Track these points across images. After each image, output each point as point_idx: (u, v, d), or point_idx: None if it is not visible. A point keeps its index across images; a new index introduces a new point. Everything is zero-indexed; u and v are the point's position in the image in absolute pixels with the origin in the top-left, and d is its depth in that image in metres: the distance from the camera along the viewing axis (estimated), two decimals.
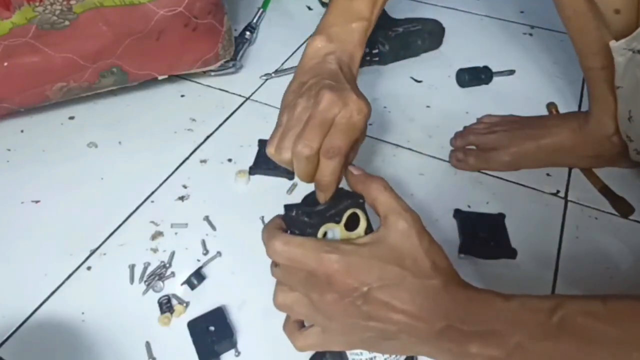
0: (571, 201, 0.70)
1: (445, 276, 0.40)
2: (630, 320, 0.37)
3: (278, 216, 0.44)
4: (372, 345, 0.41)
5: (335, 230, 0.42)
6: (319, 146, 0.45)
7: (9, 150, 0.76)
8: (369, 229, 0.43)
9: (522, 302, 0.39)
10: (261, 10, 1.02)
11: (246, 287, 0.59)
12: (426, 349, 0.40)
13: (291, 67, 0.91)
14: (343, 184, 0.46)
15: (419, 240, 0.40)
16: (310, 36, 0.54)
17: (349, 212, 0.42)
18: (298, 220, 0.42)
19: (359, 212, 0.43)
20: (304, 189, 0.70)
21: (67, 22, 0.71)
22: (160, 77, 0.82)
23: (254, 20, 0.99)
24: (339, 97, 0.46)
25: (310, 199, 0.46)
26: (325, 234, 0.42)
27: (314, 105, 0.46)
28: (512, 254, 0.63)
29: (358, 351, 0.44)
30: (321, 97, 0.46)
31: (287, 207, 0.44)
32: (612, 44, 0.56)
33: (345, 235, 0.42)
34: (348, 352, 0.44)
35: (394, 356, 0.44)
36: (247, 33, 0.96)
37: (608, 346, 0.37)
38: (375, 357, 0.44)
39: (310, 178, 0.47)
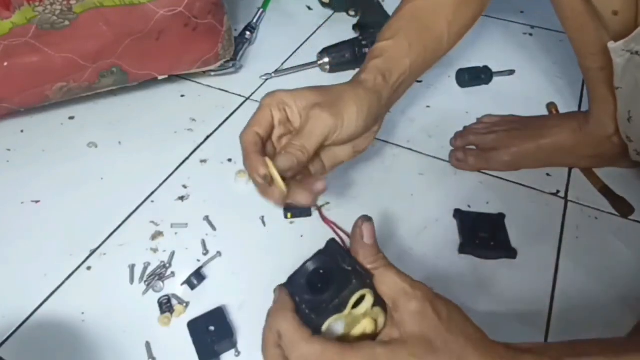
0: (571, 201, 0.70)
1: (475, 343, 0.37)
2: None
3: (284, 293, 0.40)
4: None
5: (340, 323, 0.38)
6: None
7: (9, 150, 0.76)
8: (376, 303, 0.39)
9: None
10: (261, 10, 1.02)
11: (246, 287, 0.59)
12: None
13: (291, 67, 0.91)
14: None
15: (437, 316, 0.37)
16: None
17: (354, 297, 0.38)
18: (300, 310, 0.39)
19: (365, 292, 0.39)
20: None
21: (67, 22, 0.71)
22: (160, 77, 0.82)
23: (254, 20, 0.99)
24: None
25: (305, 271, 0.41)
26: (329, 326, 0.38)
27: None
28: (512, 254, 0.63)
29: None
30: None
31: (288, 285, 0.41)
32: (611, 45, 0.56)
33: (350, 318, 0.39)
34: None
35: None
36: (247, 33, 0.96)
37: None
38: None
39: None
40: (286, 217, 0.66)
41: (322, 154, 0.54)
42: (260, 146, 0.50)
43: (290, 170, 0.48)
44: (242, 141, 0.50)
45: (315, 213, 0.67)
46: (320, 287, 0.39)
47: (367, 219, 0.41)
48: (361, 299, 0.39)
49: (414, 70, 0.59)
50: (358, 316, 0.38)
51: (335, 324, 0.38)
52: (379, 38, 0.59)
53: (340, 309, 0.38)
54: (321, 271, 0.40)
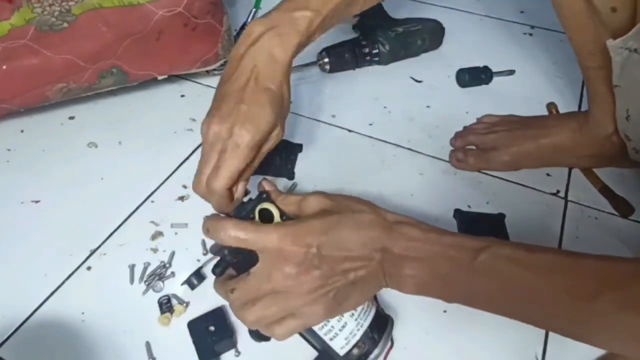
0: (571, 201, 0.70)
1: (372, 212, 0.45)
2: (550, 271, 0.41)
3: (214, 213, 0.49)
4: (343, 303, 0.44)
5: None
6: (204, 186, 0.50)
7: (9, 150, 0.76)
8: (284, 216, 0.47)
9: (454, 238, 0.43)
10: (254, 9, 1.02)
11: None
12: (378, 282, 0.45)
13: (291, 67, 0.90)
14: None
15: (331, 198, 0.46)
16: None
17: (258, 207, 0.47)
18: None
19: (267, 205, 0.47)
20: (304, 188, 0.70)
21: (65, 24, 0.71)
22: (160, 77, 0.82)
23: (249, 20, 0.99)
24: (221, 129, 0.49)
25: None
26: None
27: (204, 140, 0.51)
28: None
29: (329, 327, 0.46)
30: (207, 131, 0.50)
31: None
32: (609, 42, 0.56)
33: None
34: (322, 334, 0.47)
35: (361, 314, 0.47)
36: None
37: (523, 293, 0.41)
38: (345, 323, 0.46)
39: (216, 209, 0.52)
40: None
41: None
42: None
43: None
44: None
45: None
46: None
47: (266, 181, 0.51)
48: (270, 215, 0.47)
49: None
50: None
51: None
52: None
53: (249, 216, 0.47)
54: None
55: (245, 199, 0.51)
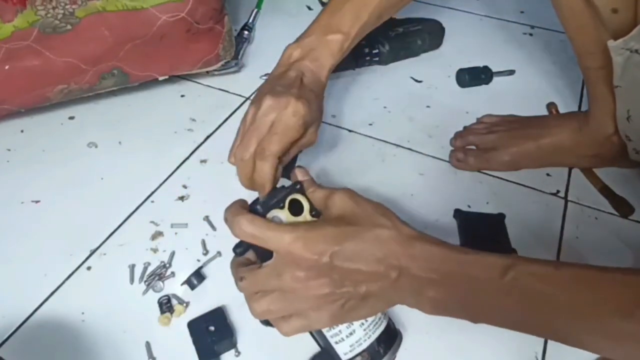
0: (571, 201, 0.70)
1: (393, 227, 0.43)
2: (577, 288, 0.40)
3: (240, 200, 0.48)
4: (351, 313, 0.43)
5: (281, 216, 0.46)
6: (253, 150, 0.51)
7: (9, 150, 0.76)
8: (313, 211, 0.46)
9: (477, 257, 0.42)
10: (256, 10, 1.02)
11: None
12: (390, 300, 0.44)
13: None
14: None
15: (356, 203, 0.44)
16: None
17: (289, 197, 0.47)
18: (253, 211, 0.46)
19: (299, 196, 0.47)
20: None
21: (69, 27, 0.71)
22: (161, 78, 0.82)
23: (250, 20, 0.99)
24: (278, 101, 0.52)
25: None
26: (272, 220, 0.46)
27: (255, 112, 0.53)
28: (512, 254, 0.63)
29: (336, 330, 0.46)
30: (260, 103, 0.52)
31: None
32: (610, 43, 0.56)
33: (292, 220, 0.46)
34: (329, 336, 0.46)
35: (371, 325, 0.46)
36: (246, 32, 0.96)
37: (554, 310, 0.40)
38: (354, 330, 0.46)
39: (248, 181, 0.54)
40: None
41: None
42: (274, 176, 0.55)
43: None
44: (260, 168, 0.54)
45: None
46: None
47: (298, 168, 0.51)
48: (300, 206, 0.46)
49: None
50: (299, 221, 0.46)
51: (277, 217, 0.46)
52: (338, 20, 0.60)
53: (279, 204, 0.46)
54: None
55: (279, 186, 0.51)
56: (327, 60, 0.58)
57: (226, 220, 0.45)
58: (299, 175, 0.50)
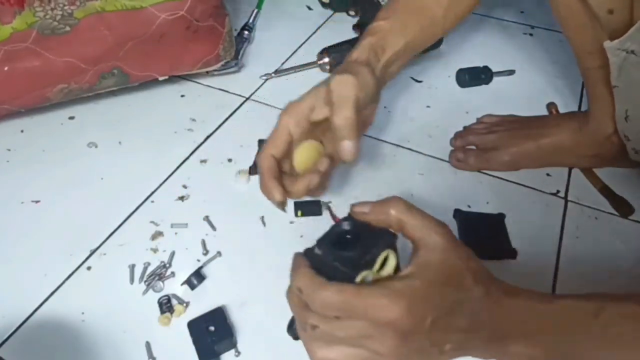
0: (571, 201, 0.70)
1: (485, 285, 0.40)
2: None
3: (300, 257, 0.41)
4: None
5: (369, 277, 0.39)
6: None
7: (9, 150, 0.76)
8: (397, 268, 0.41)
9: (564, 304, 0.40)
10: (256, 10, 1.02)
11: (246, 287, 0.59)
12: (474, 353, 0.41)
13: (291, 67, 0.91)
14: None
15: (457, 254, 0.40)
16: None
17: (382, 255, 0.40)
18: (329, 266, 0.40)
19: (391, 253, 0.40)
20: None
21: (68, 28, 0.71)
22: (161, 78, 0.82)
23: (250, 20, 0.99)
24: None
25: (329, 237, 0.43)
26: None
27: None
28: (512, 254, 0.63)
29: None
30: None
31: (314, 247, 0.42)
32: (607, 44, 0.56)
33: (377, 276, 0.40)
34: None
35: None
36: (246, 32, 0.96)
37: None
38: None
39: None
40: (296, 214, 0.66)
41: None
42: (275, 170, 0.53)
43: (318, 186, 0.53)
44: (259, 166, 0.53)
45: (325, 212, 0.67)
46: (349, 245, 0.40)
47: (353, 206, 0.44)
48: (385, 259, 0.40)
49: (408, 49, 0.61)
50: (383, 278, 0.39)
51: (367, 278, 0.39)
52: (375, 19, 0.61)
53: (371, 265, 0.39)
54: (348, 235, 0.42)
55: (346, 225, 0.43)
56: (394, 39, 0.59)
57: (299, 290, 0.38)
58: (363, 208, 0.43)
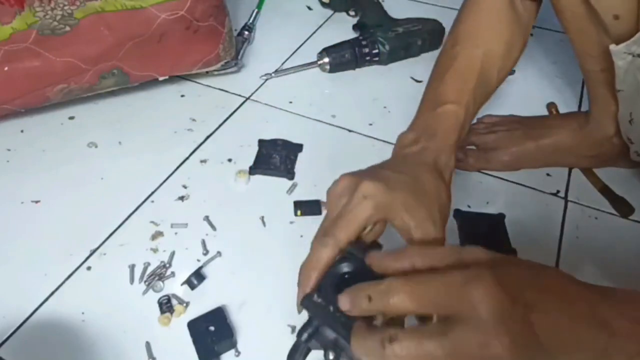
0: (571, 201, 0.70)
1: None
2: None
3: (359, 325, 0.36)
4: None
5: (379, 318, 0.37)
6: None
7: (9, 150, 0.76)
8: None
9: None
10: (256, 10, 1.02)
11: (246, 287, 0.59)
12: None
13: (291, 67, 0.91)
14: None
15: (512, 304, 0.33)
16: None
17: None
18: (331, 315, 0.38)
19: None
20: (304, 188, 0.70)
21: (67, 28, 0.71)
22: (161, 78, 0.82)
23: (250, 20, 1.00)
24: (352, 181, 0.46)
25: (328, 281, 0.41)
26: None
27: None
28: (512, 254, 0.63)
29: None
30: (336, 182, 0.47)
31: (313, 295, 0.40)
32: (612, 48, 0.56)
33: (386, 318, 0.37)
34: None
35: None
36: (246, 32, 0.96)
37: None
38: None
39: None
40: (296, 214, 0.67)
41: None
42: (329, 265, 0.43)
43: None
44: (317, 250, 0.43)
45: (325, 212, 0.67)
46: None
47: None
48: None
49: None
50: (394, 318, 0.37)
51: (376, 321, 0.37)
52: (443, 91, 0.56)
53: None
54: (346, 276, 0.41)
55: (345, 267, 0.42)
56: (447, 135, 0.52)
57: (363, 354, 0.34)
58: (377, 258, 0.39)
